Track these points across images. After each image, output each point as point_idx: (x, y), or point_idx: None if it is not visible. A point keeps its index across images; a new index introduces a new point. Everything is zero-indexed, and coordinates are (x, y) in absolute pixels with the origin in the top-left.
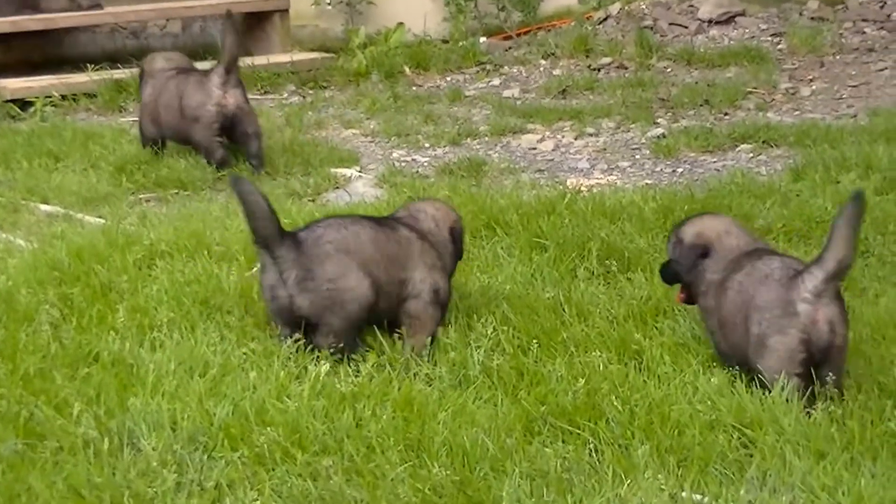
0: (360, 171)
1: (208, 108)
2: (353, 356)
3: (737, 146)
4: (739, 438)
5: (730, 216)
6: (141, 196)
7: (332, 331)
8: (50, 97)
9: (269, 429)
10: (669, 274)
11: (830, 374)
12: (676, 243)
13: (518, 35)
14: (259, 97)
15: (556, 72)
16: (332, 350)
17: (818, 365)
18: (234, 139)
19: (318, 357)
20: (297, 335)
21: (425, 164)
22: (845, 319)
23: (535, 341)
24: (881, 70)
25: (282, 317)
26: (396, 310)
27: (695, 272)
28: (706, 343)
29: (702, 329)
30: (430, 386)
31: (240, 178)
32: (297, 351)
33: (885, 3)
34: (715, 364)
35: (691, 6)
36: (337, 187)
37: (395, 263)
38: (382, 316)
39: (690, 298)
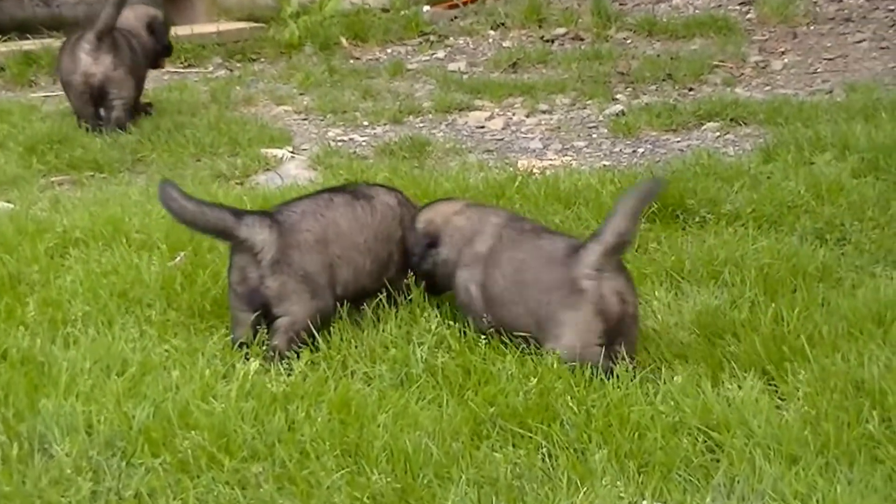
0: (292, 152)
1: (76, 77)
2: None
3: (702, 124)
4: (705, 442)
5: (466, 200)
6: (53, 179)
7: (294, 322)
8: None
9: (193, 433)
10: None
11: (623, 345)
12: (411, 232)
13: (465, 3)
14: (182, 71)
15: (506, 43)
16: (290, 349)
17: (612, 338)
18: (104, 106)
19: (246, 355)
20: (247, 334)
21: (363, 143)
22: (633, 289)
23: (482, 337)
24: (859, 42)
25: (247, 301)
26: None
27: (430, 261)
28: (669, 340)
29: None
30: (368, 385)
31: (166, 187)
32: (223, 347)
33: None
34: (678, 362)
35: None
36: (267, 169)
37: (380, 240)
38: (370, 294)
39: (432, 288)
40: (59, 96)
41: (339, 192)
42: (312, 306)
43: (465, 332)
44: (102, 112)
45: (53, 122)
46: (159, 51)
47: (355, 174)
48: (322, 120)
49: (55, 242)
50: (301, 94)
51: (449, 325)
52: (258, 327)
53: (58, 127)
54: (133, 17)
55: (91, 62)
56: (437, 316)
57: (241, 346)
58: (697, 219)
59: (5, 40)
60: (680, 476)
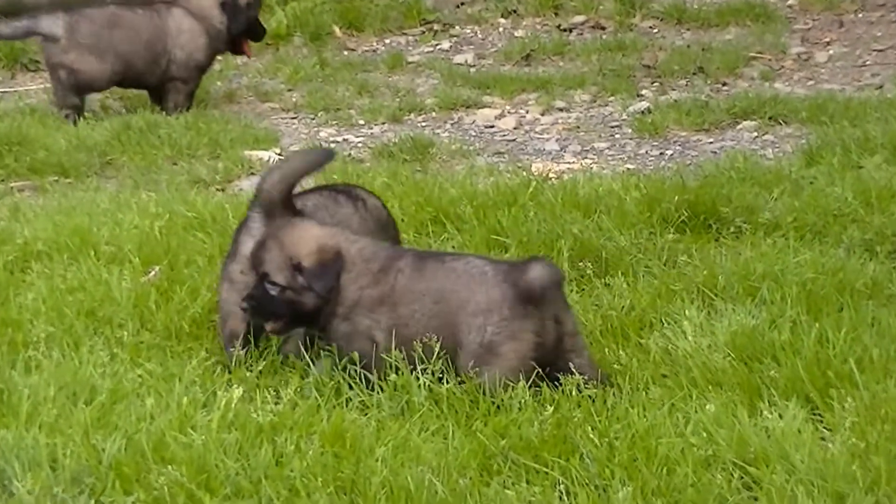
0: (279, 154)
1: None
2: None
3: (738, 124)
4: (741, 478)
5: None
6: (12, 184)
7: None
8: None
9: (169, 467)
10: (278, 306)
11: (575, 361)
12: (292, 268)
13: None
14: None
15: (519, 33)
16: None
17: (554, 358)
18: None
19: (229, 381)
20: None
21: (359, 145)
22: (567, 306)
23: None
24: None
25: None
26: None
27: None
28: (702, 363)
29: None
30: (365, 415)
31: None
32: (202, 372)
33: None
34: (711, 388)
35: None
36: (252, 173)
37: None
38: None
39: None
40: (19, 92)
41: (340, 192)
42: None
43: None
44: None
45: (13, 120)
46: (237, 34)
47: (350, 179)
48: (313, 119)
49: (15, 255)
50: (289, 90)
51: None
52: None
53: (17, 126)
54: None
55: None
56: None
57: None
58: (732, 229)
59: None
60: None
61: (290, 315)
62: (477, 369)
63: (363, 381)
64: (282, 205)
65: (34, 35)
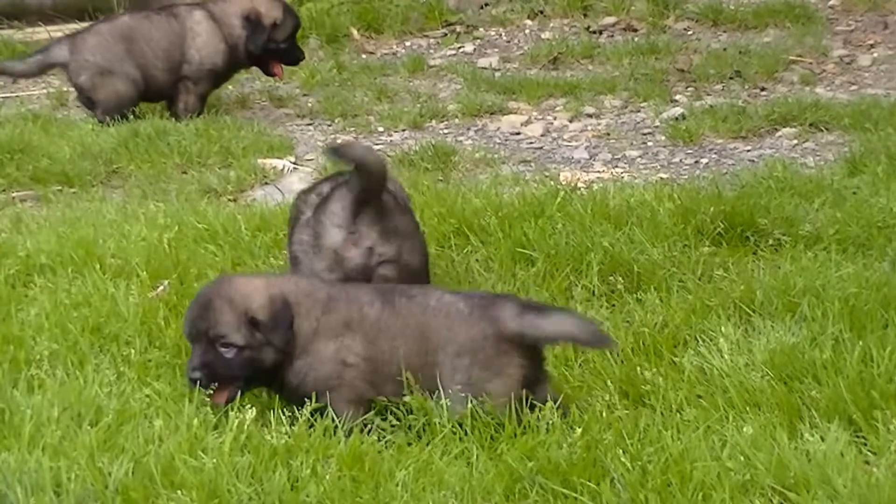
0: (294, 163)
1: None
2: None
3: (776, 130)
4: (780, 503)
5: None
6: (14, 194)
7: None
8: None
9: (179, 492)
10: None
11: (539, 392)
12: (248, 325)
13: None
14: None
15: (546, 35)
16: None
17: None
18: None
19: (241, 401)
20: None
21: (378, 152)
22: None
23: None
24: None
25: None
26: None
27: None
28: (739, 383)
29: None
30: (384, 438)
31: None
32: None
33: None
34: (749, 409)
35: None
36: (265, 183)
37: None
38: None
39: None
40: (21, 97)
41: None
42: None
43: None
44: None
45: (14, 127)
46: (258, 52)
47: None
48: (329, 125)
49: (17, 269)
50: (304, 95)
51: None
52: None
53: (19, 133)
54: (230, 6)
55: None
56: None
57: None
58: (771, 241)
59: None
60: None
61: (248, 376)
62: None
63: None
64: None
65: (49, 67)
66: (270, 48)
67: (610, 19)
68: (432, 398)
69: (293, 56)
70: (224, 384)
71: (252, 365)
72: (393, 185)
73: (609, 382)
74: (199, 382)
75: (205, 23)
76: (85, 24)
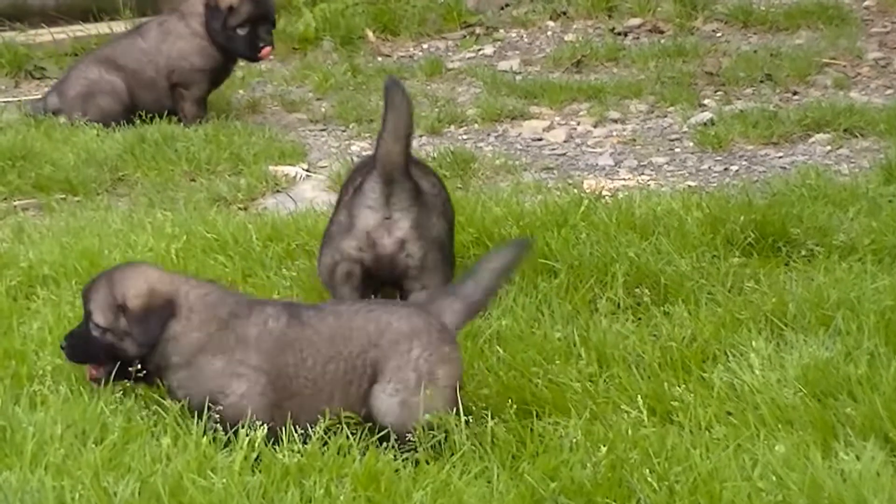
0: (307, 170)
1: None
2: None
3: (809, 136)
4: None
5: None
6: (16, 202)
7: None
8: None
9: None
10: (97, 349)
11: None
12: (116, 309)
13: None
14: None
15: (569, 37)
16: None
17: None
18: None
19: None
20: None
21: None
22: None
23: (540, 396)
24: None
25: (374, 268)
26: None
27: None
28: (770, 400)
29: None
30: (401, 456)
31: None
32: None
33: None
34: (781, 426)
35: None
36: (277, 190)
37: None
38: None
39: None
40: (23, 101)
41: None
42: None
43: (518, 391)
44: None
45: (16, 133)
46: (217, 40)
47: None
48: (343, 131)
49: (19, 280)
50: (318, 100)
51: (498, 380)
52: None
53: (21, 139)
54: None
55: None
56: (483, 370)
57: None
58: (804, 252)
59: None
60: None
61: (111, 361)
62: (404, 397)
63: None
64: (404, 168)
65: (51, 114)
66: (229, 36)
67: (635, 20)
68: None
69: (248, 46)
70: (88, 360)
71: (113, 351)
72: (433, 186)
73: (637, 398)
74: (64, 351)
75: (178, 24)
76: (89, 26)
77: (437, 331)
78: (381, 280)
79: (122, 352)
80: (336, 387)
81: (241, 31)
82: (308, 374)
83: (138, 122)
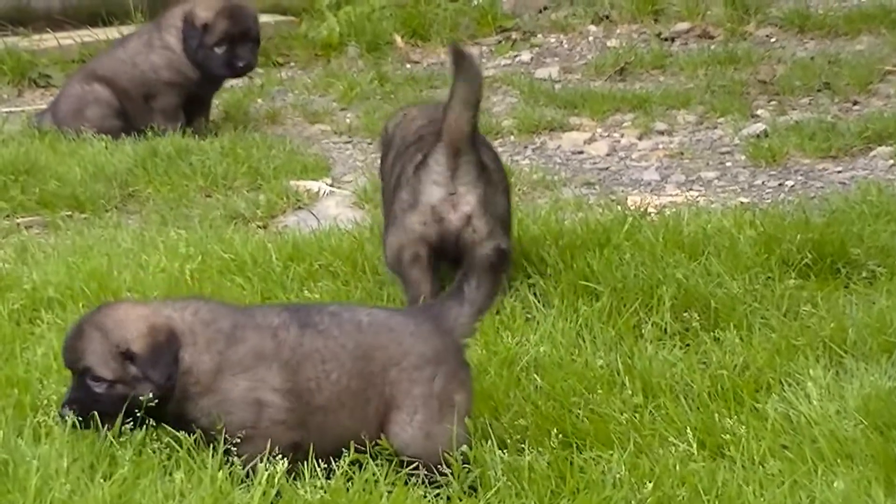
0: (331, 185)
1: None
2: None
3: (871, 149)
4: None
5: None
6: (19, 220)
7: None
8: None
9: None
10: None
11: None
12: (120, 357)
13: None
14: None
15: (612, 42)
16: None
17: None
18: None
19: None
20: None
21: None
22: None
23: (581, 427)
24: None
25: (439, 245)
26: None
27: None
28: (829, 432)
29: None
30: (432, 493)
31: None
32: None
33: None
34: (840, 461)
35: None
36: (299, 207)
37: None
38: None
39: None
40: (26, 111)
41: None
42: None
43: (558, 422)
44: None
45: (19, 145)
46: (193, 57)
47: None
48: (370, 143)
49: (22, 303)
50: (342, 110)
51: (536, 412)
52: None
53: (25, 152)
54: (172, 14)
55: None
56: (520, 400)
57: None
58: (864, 274)
59: None
60: None
61: (127, 413)
62: (428, 428)
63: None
64: (470, 140)
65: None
66: (206, 54)
67: (683, 25)
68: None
69: (225, 66)
70: (103, 420)
71: (125, 402)
72: (494, 160)
73: (685, 430)
74: (65, 420)
75: (153, 36)
76: (97, 30)
77: (455, 353)
78: (445, 257)
79: (138, 399)
80: (357, 403)
81: (218, 50)
82: (332, 388)
83: (150, 133)
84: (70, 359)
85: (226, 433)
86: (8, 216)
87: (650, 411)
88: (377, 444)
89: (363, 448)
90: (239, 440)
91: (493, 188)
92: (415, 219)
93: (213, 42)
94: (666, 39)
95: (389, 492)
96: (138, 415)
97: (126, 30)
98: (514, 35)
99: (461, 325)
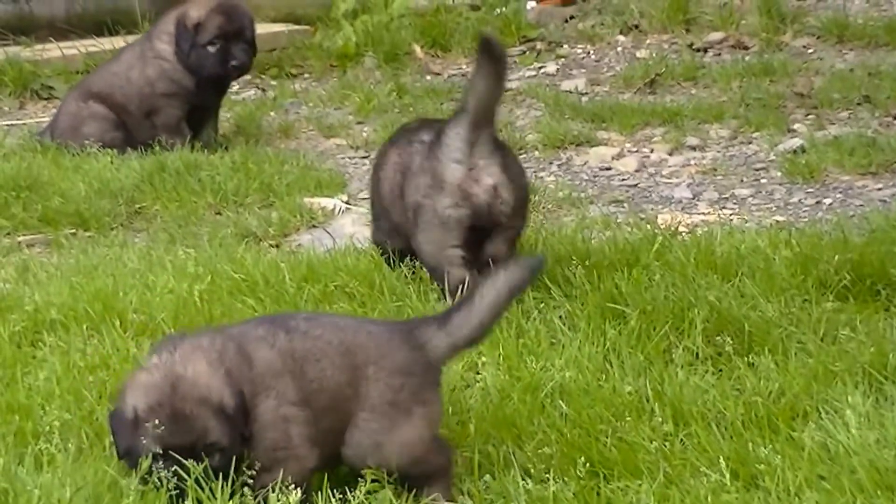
0: (346, 202)
1: None
2: None
3: None
4: None
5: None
6: (21, 238)
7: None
8: None
9: None
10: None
11: None
12: (224, 417)
13: None
14: None
15: (641, 53)
16: None
17: None
18: None
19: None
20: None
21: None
22: None
23: (608, 456)
24: None
25: (472, 224)
26: None
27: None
28: (868, 463)
29: None
30: None
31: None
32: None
33: None
34: (881, 494)
35: None
36: (313, 225)
37: None
38: None
39: None
40: (28, 124)
41: None
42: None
43: (584, 450)
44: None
45: (21, 160)
46: (187, 62)
47: None
48: None
49: (23, 325)
50: (359, 123)
51: (562, 440)
52: None
53: (27, 167)
54: (165, 20)
55: None
56: (545, 428)
57: None
58: None
59: None
60: None
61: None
62: (376, 437)
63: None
64: (493, 114)
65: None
66: (199, 54)
67: (716, 35)
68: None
69: (218, 64)
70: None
71: (232, 461)
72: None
73: (718, 460)
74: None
75: (146, 48)
76: (103, 40)
77: (424, 370)
78: (478, 234)
79: (238, 453)
80: (347, 398)
81: (211, 49)
82: (330, 386)
83: (157, 148)
84: (181, 443)
85: (266, 459)
86: (9, 234)
87: (681, 440)
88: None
89: None
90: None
91: (511, 156)
92: (444, 201)
93: (206, 40)
94: (698, 50)
95: None
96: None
97: (133, 40)
98: (538, 45)
99: (433, 348)
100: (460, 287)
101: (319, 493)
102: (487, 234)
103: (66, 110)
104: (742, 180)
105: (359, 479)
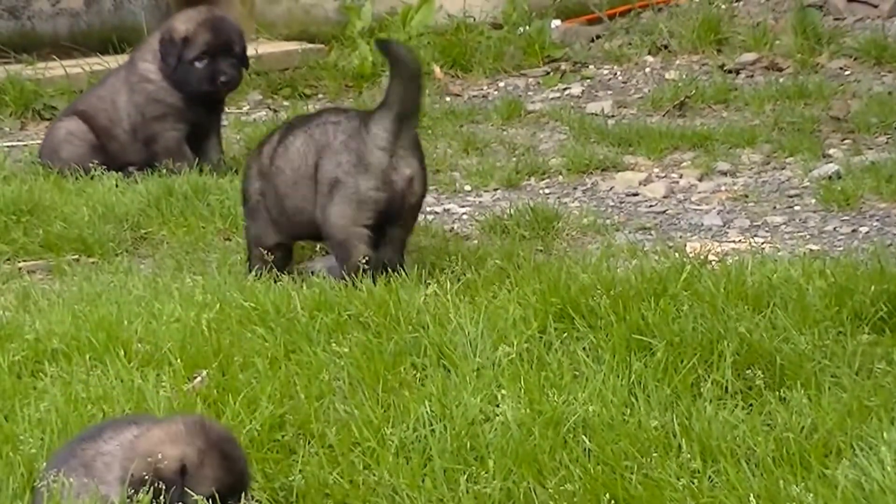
0: None
1: None
2: None
3: None
4: None
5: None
6: (21, 264)
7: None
8: None
9: None
10: None
11: None
12: None
13: (611, 16)
14: None
15: (671, 74)
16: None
17: None
18: None
19: None
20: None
21: (464, 217)
22: None
23: (634, 494)
24: None
25: (387, 210)
26: None
27: None
28: None
29: None
30: None
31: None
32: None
33: None
34: None
35: None
36: (326, 252)
37: None
38: None
39: None
40: (30, 146)
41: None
42: None
43: (609, 486)
44: None
45: (22, 183)
46: (174, 78)
47: (452, 260)
48: None
49: (24, 355)
50: None
51: (585, 476)
52: None
53: (28, 191)
54: (152, 39)
55: None
56: (568, 464)
57: None
58: None
59: None
60: None
61: None
62: None
63: None
64: (417, 109)
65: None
66: (186, 70)
67: (749, 56)
68: None
69: (206, 80)
70: None
71: None
72: None
73: (746, 498)
74: None
75: (129, 72)
76: (108, 58)
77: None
78: (382, 220)
79: None
80: None
81: (199, 65)
82: None
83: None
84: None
85: None
86: (9, 260)
87: (709, 477)
88: None
89: None
90: None
91: (423, 159)
92: (369, 183)
93: (194, 56)
94: (730, 71)
95: None
96: None
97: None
98: (563, 66)
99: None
100: (361, 262)
101: None
102: (390, 222)
103: (49, 132)
104: (775, 207)
105: None
